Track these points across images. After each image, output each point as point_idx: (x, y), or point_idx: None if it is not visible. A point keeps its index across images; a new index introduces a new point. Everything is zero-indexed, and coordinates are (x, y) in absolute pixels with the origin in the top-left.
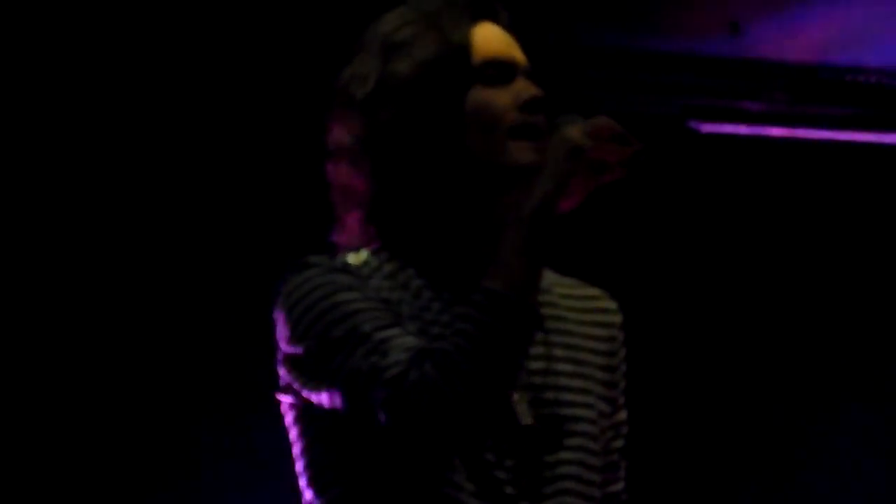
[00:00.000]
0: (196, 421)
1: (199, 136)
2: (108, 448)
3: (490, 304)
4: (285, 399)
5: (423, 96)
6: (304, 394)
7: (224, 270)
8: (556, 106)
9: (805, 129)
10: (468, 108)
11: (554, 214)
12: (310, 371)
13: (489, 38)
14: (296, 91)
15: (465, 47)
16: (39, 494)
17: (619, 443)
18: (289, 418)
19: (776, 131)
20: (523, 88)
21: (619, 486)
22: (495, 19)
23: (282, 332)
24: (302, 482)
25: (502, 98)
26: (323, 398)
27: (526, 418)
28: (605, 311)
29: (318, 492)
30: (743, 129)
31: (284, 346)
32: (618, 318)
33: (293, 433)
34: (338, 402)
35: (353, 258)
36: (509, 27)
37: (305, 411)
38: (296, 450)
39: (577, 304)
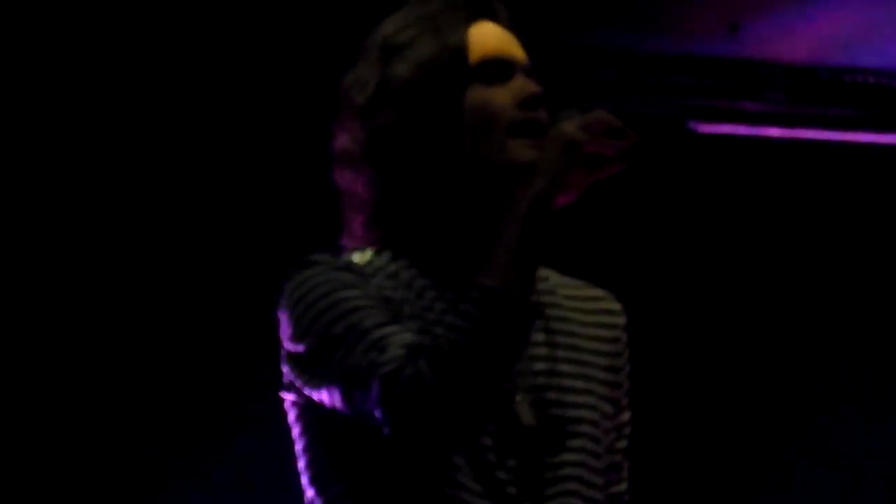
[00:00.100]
0: (197, 420)
1: (212, 140)
2: (108, 447)
3: (484, 300)
4: (288, 397)
5: (420, 98)
6: (306, 391)
7: (229, 269)
8: (555, 105)
9: (804, 129)
10: (466, 107)
11: (550, 210)
12: (311, 368)
13: (486, 36)
14: (306, 94)
15: (461, 47)
16: (39, 494)
17: (621, 443)
18: (291, 416)
19: (775, 132)
20: (522, 86)
21: (622, 486)
22: (494, 18)
23: (285, 329)
24: (303, 480)
25: (500, 96)
26: (323, 396)
27: (527, 419)
28: (609, 312)
29: (319, 490)
30: (742, 130)
31: (287, 344)
32: (622, 320)
33: (295, 431)
34: (337, 399)
35: (358, 257)
36: (508, 25)
37: (307, 409)
38: (298, 447)
39: (581, 306)
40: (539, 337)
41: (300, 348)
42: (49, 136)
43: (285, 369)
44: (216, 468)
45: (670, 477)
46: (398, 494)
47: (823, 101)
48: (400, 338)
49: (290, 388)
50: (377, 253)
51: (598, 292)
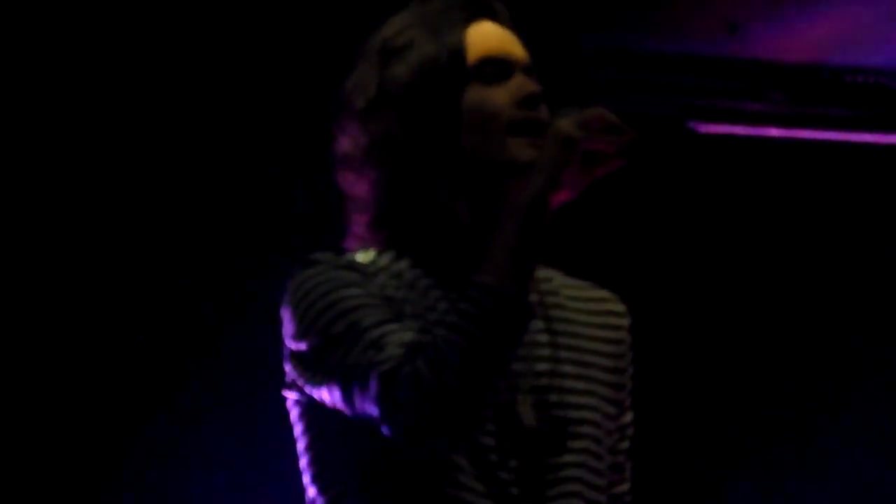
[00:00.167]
0: (198, 418)
1: (217, 142)
2: (108, 447)
3: (481, 298)
4: (290, 395)
5: (418, 100)
6: (308, 390)
7: (231, 268)
8: (556, 105)
9: (804, 129)
10: (465, 108)
11: (548, 208)
12: (312, 367)
13: (485, 36)
14: (308, 95)
15: (458, 48)
16: (38, 493)
17: (624, 444)
18: (293, 415)
19: (775, 132)
20: (520, 84)
21: (625, 487)
22: (494, 17)
23: (287, 328)
24: (305, 479)
25: (499, 96)
26: (324, 395)
27: (529, 420)
28: (613, 313)
29: (321, 489)
30: (742, 130)
31: (289, 342)
32: (626, 321)
33: (298, 430)
34: (337, 398)
35: (361, 256)
36: (509, 24)
37: (309, 408)
38: (299, 446)
39: (585, 307)
40: (542, 338)
41: (302, 347)
42: (48, 136)
43: (288, 368)
44: (217, 467)
45: (673, 478)
46: (400, 494)
47: (823, 101)
48: (399, 336)
49: (293, 386)
50: (381, 252)
51: (603, 293)
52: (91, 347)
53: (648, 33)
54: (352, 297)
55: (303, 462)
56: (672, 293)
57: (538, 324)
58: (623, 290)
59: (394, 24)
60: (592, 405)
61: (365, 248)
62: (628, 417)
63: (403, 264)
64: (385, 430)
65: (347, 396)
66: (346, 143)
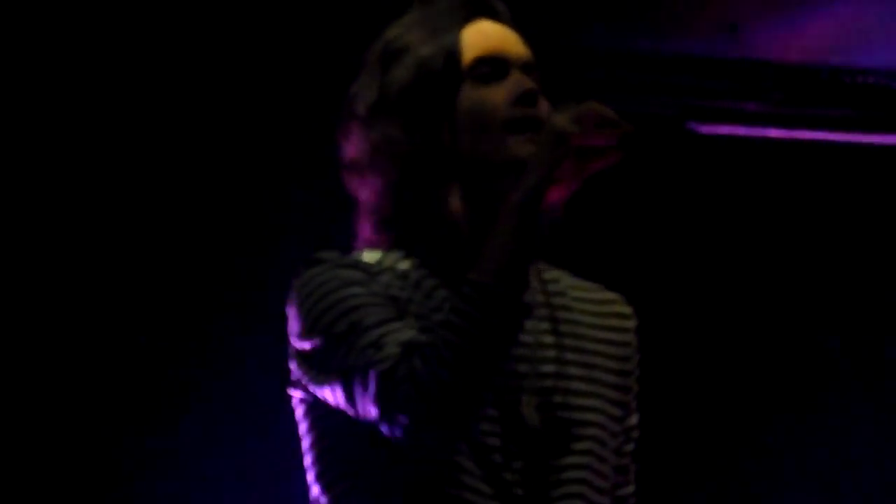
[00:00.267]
0: (200, 417)
1: (223, 143)
2: (108, 447)
3: (476, 296)
4: (295, 394)
5: (415, 103)
6: (312, 389)
7: (235, 268)
8: (555, 104)
9: (803, 130)
10: (463, 108)
11: (543, 204)
12: (315, 366)
13: (480, 35)
14: (311, 96)
15: (452, 49)
16: (38, 493)
17: (629, 446)
18: (298, 413)
19: (774, 132)
20: (517, 82)
21: (630, 489)
22: (493, 16)
23: (292, 326)
24: (309, 477)
25: (496, 94)
26: (327, 393)
27: (533, 421)
28: (620, 315)
29: (325, 487)
30: (741, 130)
31: (294, 341)
32: (633, 323)
33: (302, 428)
34: (339, 396)
35: (367, 255)
36: (509, 22)
37: (314, 406)
38: (304, 444)
39: (591, 308)
40: (548, 339)
41: (306, 345)
42: (49, 136)
43: (292, 366)
44: (220, 466)
45: (678, 480)
46: (403, 494)
47: (823, 102)
48: (398, 335)
49: (297, 384)
50: (387, 252)
51: (610, 295)
52: (91, 347)
53: (648, 33)
54: (354, 297)
55: (307, 460)
56: (672, 293)
57: (544, 325)
58: (623, 291)
59: (395, 27)
60: (597, 407)
61: (372, 249)
62: (634, 420)
63: (409, 264)
64: (385, 430)
65: (349, 396)
66: (350, 149)
